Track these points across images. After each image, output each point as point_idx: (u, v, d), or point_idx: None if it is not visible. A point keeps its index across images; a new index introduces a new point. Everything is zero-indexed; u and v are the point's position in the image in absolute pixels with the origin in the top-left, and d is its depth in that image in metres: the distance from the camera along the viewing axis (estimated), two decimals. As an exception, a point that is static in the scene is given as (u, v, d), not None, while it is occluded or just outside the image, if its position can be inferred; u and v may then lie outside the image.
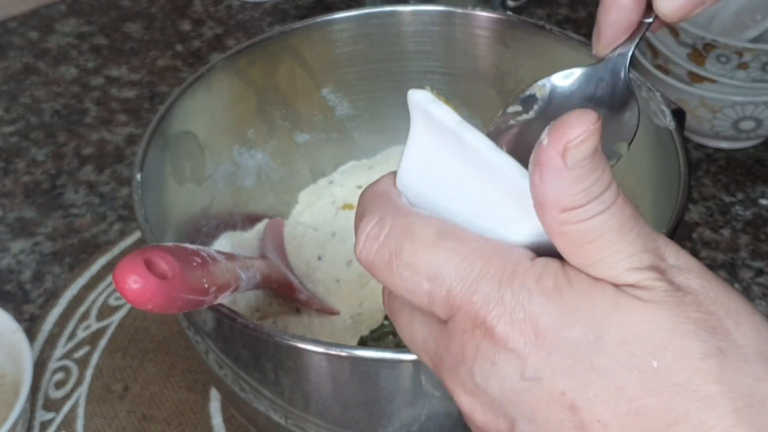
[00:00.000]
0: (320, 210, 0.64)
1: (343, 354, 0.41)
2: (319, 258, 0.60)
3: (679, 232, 0.64)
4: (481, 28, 0.59)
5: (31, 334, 0.63)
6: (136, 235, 0.70)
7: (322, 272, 0.59)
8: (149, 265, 0.36)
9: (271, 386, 0.45)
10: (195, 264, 0.39)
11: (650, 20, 0.41)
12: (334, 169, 0.65)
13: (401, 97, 0.66)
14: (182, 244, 0.40)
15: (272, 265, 0.52)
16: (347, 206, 0.63)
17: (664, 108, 0.51)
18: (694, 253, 0.68)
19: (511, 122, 0.40)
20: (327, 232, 0.62)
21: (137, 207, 0.47)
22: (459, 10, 0.60)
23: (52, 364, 0.62)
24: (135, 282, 0.36)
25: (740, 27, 0.75)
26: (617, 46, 0.42)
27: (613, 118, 0.41)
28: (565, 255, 0.29)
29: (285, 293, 0.55)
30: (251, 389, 0.46)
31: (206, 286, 0.40)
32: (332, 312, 0.57)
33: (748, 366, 0.27)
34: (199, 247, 0.41)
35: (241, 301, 0.53)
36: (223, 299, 0.42)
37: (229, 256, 0.44)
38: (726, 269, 0.66)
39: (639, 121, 0.40)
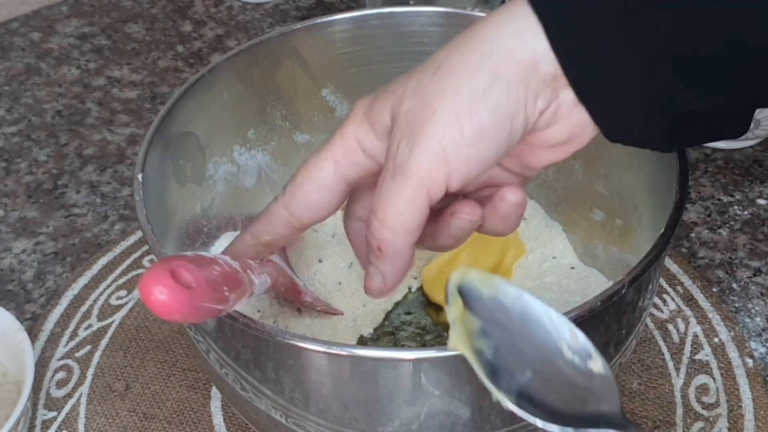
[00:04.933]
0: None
1: (343, 353, 0.41)
2: (320, 260, 0.60)
3: (677, 232, 0.64)
4: (480, 29, 0.60)
5: (32, 333, 0.63)
6: (137, 235, 0.70)
7: (323, 275, 0.59)
8: (173, 276, 0.36)
9: (272, 385, 0.45)
10: (215, 272, 0.40)
11: None
12: (334, 169, 0.66)
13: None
14: (201, 253, 0.40)
15: (279, 269, 0.53)
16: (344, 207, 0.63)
17: (662, 109, 0.51)
18: (692, 253, 0.68)
19: None
20: (327, 233, 0.62)
21: (138, 207, 0.47)
22: (458, 11, 0.60)
23: (54, 363, 0.62)
24: (161, 293, 0.35)
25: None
26: None
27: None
28: None
29: (291, 296, 0.55)
30: (252, 388, 0.46)
31: (226, 294, 0.40)
32: (336, 313, 0.58)
33: None
34: (216, 255, 0.42)
35: (242, 300, 0.54)
36: (239, 305, 0.42)
37: (243, 263, 0.44)
38: (724, 269, 0.67)
39: None
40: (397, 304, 0.60)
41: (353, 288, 0.59)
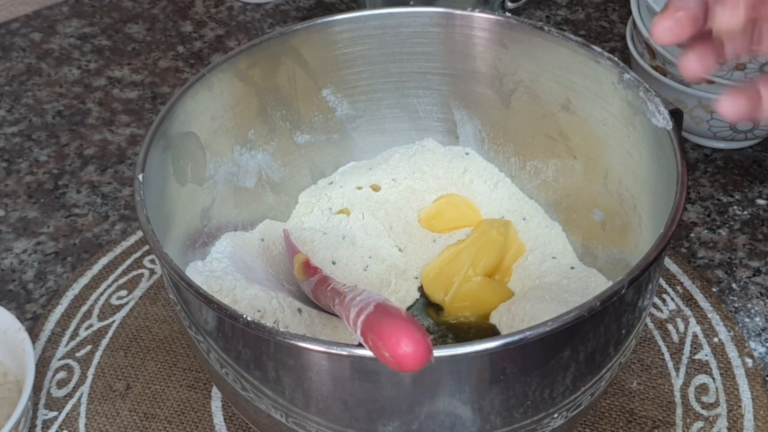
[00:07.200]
0: (319, 213, 0.64)
1: (344, 353, 0.41)
2: (333, 263, 0.60)
3: (677, 232, 0.64)
4: (480, 30, 0.60)
5: (33, 333, 0.63)
6: (137, 235, 0.70)
7: (337, 277, 0.59)
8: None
9: (272, 385, 0.45)
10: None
11: None
12: (334, 169, 0.66)
13: (401, 98, 0.67)
14: (384, 301, 0.40)
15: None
16: (342, 211, 0.63)
17: (662, 109, 0.51)
18: (692, 253, 0.68)
19: None
20: (337, 235, 0.62)
21: (139, 207, 0.47)
22: (458, 12, 0.60)
23: (55, 363, 0.62)
24: (429, 349, 0.37)
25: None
26: None
27: None
28: None
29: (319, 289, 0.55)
30: (252, 388, 0.46)
31: None
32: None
33: None
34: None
35: (243, 300, 0.54)
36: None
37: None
38: (723, 269, 0.67)
39: None
40: (397, 305, 0.60)
41: (371, 289, 0.58)
